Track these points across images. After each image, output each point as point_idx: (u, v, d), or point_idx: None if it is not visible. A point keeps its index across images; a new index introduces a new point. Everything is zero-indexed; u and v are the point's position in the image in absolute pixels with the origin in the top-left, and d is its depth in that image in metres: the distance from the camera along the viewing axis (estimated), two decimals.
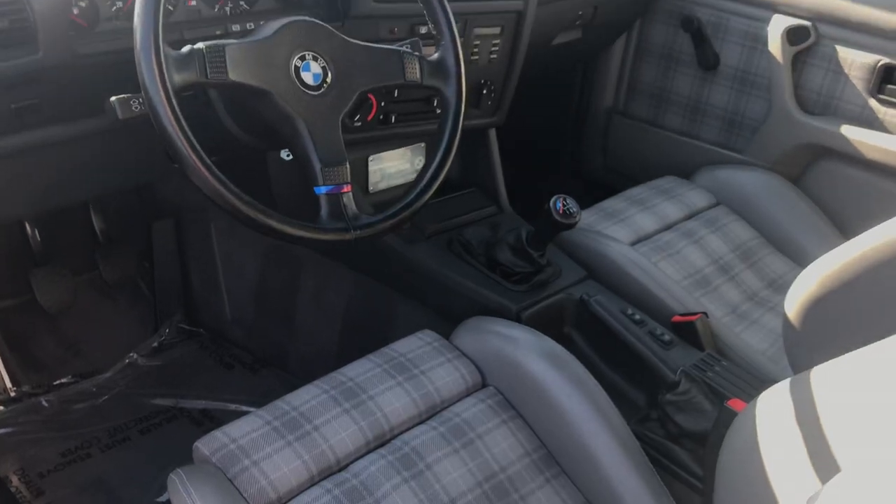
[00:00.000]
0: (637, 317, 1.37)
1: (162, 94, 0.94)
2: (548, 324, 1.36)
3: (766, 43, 1.85)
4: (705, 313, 1.39)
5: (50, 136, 1.14)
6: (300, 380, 1.16)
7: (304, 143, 1.06)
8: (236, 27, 1.23)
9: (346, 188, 1.08)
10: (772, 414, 0.95)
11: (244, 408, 1.54)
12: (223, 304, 1.71)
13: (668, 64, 2.05)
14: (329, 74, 1.09)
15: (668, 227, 1.70)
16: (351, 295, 1.58)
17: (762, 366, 1.41)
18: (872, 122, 1.77)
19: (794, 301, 1.22)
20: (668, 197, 1.79)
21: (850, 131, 1.78)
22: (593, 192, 1.75)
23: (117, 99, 0.99)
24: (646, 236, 1.66)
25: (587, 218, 1.66)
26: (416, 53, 1.19)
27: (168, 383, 1.62)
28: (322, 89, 1.08)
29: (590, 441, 1.14)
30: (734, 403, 1.11)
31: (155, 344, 1.69)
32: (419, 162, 1.64)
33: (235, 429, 1.05)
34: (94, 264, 1.69)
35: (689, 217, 1.76)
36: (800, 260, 1.74)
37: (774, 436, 0.90)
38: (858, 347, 1.19)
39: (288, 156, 1.35)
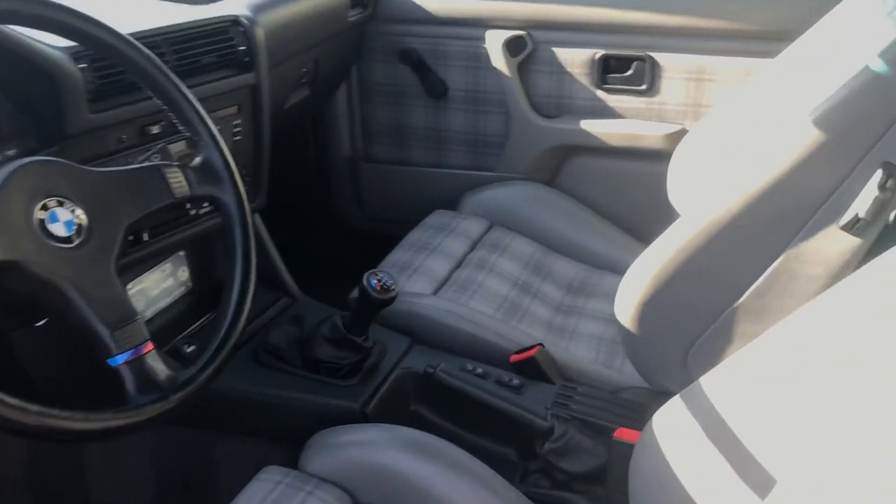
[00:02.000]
0: (479, 370, 1.28)
1: None
2: (395, 409, 1.23)
3: (488, 60, 1.86)
4: (541, 344, 1.34)
5: None
6: None
7: (79, 309, 0.84)
8: None
9: (148, 347, 0.87)
10: (674, 435, 0.92)
11: None
12: None
13: (396, 100, 1.99)
14: (83, 218, 0.87)
15: (459, 265, 1.65)
16: (153, 452, 1.32)
17: (602, 376, 1.39)
18: (604, 112, 1.85)
19: (627, 307, 1.21)
20: (446, 233, 1.74)
21: (587, 125, 1.85)
22: (360, 245, 1.64)
23: None
24: (443, 280, 1.58)
25: None
26: (175, 163, 1.01)
27: None
28: (80, 239, 0.86)
29: None
30: (622, 434, 1.06)
31: None
32: (183, 272, 1.43)
33: None
34: None
35: (473, 247, 1.72)
36: (581, 256, 1.77)
37: (686, 455, 0.86)
38: (698, 334, 1.21)
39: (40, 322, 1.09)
